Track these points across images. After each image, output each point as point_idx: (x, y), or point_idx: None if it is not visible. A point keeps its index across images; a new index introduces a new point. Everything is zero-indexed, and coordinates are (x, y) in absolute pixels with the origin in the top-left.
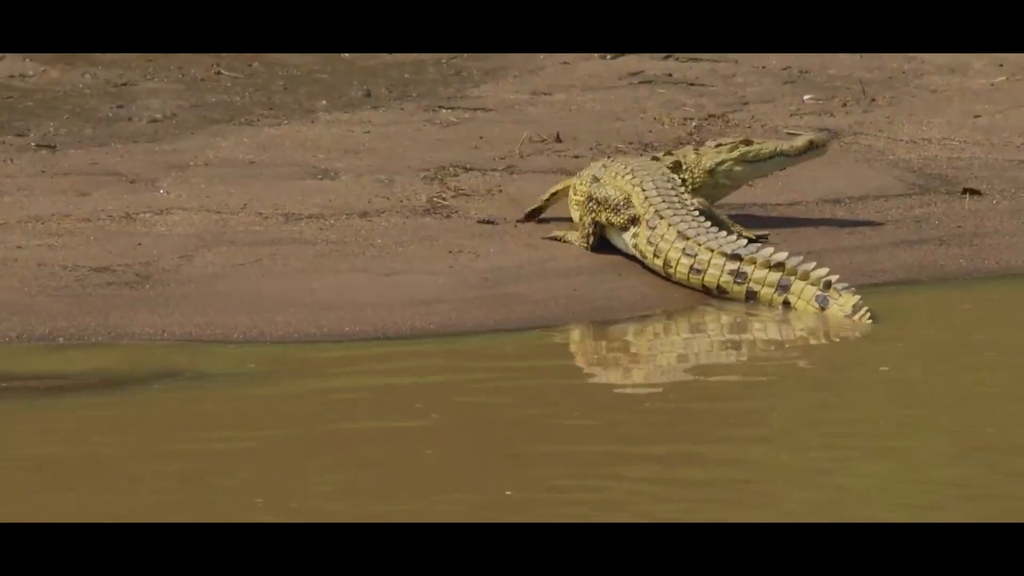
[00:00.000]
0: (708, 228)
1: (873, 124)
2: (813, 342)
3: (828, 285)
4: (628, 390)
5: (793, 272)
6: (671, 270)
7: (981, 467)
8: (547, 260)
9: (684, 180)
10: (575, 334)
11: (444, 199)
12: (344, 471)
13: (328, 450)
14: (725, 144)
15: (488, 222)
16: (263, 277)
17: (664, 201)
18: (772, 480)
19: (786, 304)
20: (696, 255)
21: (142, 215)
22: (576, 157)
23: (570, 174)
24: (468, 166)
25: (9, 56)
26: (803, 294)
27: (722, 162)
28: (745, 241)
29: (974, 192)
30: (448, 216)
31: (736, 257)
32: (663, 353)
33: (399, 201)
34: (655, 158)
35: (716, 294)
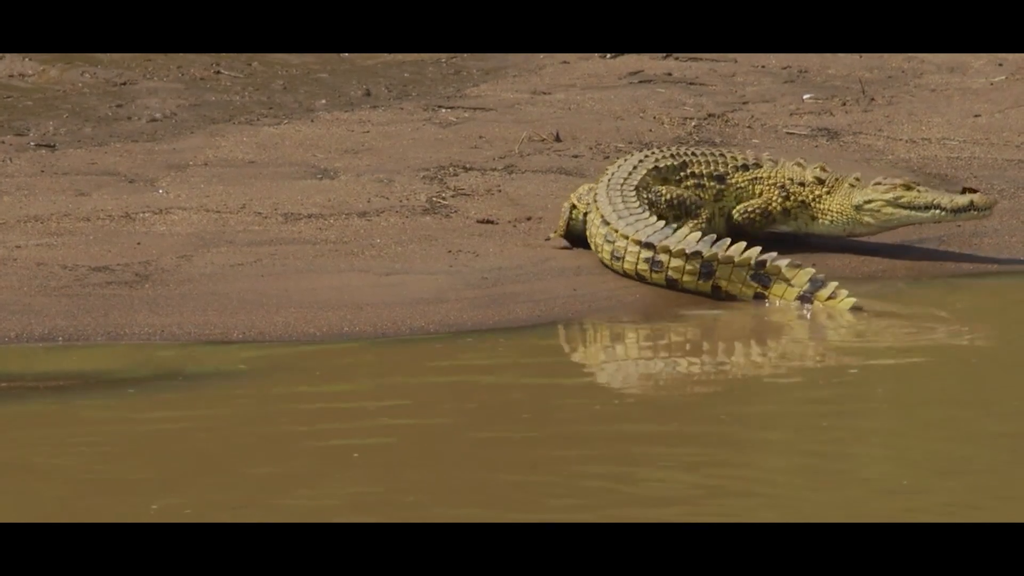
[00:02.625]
0: (632, 214)
1: (872, 123)
2: (808, 339)
3: (762, 264)
4: (627, 389)
5: (713, 258)
6: (600, 255)
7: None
8: (547, 260)
9: (815, 196)
10: (574, 334)
11: (444, 198)
12: (342, 469)
13: (326, 448)
14: (885, 183)
15: (488, 222)
16: (262, 277)
17: (607, 188)
18: (770, 480)
19: (716, 290)
20: (615, 242)
21: (141, 215)
22: (575, 157)
23: (569, 174)
24: (468, 165)
25: (8, 56)
26: (733, 277)
27: (871, 200)
28: (662, 225)
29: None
30: (448, 216)
31: (649, 246)
32: (662, 353)
33: (399, 201)
34: (825, 171)
35: (637, 279)
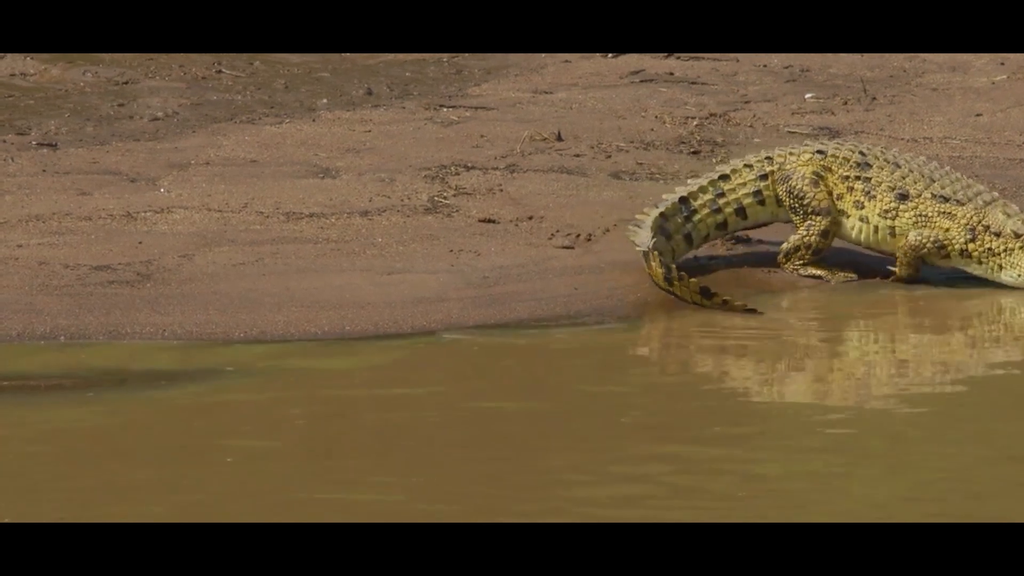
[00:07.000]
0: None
1: (874, 123)
2: (804, 341)
3: (722, 302)
4: (627, 389)
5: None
6: None
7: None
8: (548, 259)
9: (1007, 248)
10: (575, 333)
11: (445, 198)
12: (341, 469)
13: (326, 447)
14: None
15: (489, 221)
16: (264, 276)
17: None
18: (764, 482)
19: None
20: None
21: (143, 214)
22: (577, 156)
23: (571, 173)
24: (469, 165)
25: (10, 55)
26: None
27: None
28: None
29: None
30: (449, 215)
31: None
32: (663, 353)
33: (400, 200)
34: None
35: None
